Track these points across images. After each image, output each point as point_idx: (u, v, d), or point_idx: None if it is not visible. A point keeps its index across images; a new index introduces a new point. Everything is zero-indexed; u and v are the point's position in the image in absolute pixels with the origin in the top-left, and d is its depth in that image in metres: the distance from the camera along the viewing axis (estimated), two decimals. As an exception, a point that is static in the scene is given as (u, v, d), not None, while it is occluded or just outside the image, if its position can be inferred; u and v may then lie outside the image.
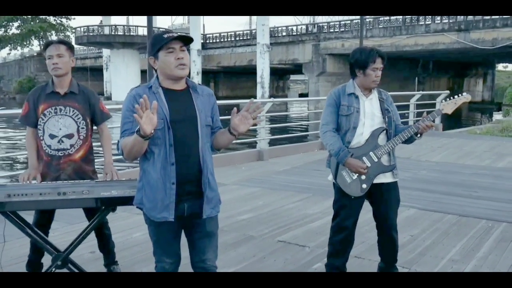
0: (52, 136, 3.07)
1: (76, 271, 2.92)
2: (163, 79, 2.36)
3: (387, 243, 3.30)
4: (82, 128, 3.12)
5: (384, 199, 3.21)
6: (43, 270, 3.18)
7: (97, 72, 55.73)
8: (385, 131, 3.13)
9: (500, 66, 59.49)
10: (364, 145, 3.11)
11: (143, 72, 46.38)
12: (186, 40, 2.32)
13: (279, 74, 56.64)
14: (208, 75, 51.57)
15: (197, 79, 42.28)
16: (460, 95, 3.17)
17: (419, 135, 3.11)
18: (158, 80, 2.36)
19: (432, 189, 6.27)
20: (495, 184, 6.63)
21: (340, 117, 3.13)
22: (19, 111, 3.42)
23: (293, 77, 71.38)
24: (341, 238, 3.25)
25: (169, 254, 2.41)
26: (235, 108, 2.28)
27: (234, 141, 2.46)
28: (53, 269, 2.84)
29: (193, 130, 2.32)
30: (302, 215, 5.11)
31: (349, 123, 3.11)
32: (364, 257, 3.85)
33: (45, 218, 3.20)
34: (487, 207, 5.38)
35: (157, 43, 2.30)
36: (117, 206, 2.78)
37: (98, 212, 3.04)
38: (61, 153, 3.08)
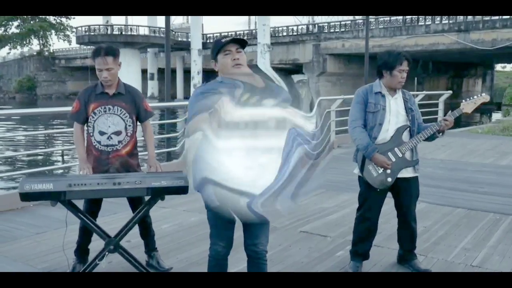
0: (101, 133, 3.34)
1: (126, 255, 3.19)
2: None
3: (407, 231, 3.58)
4: (129, 125, 3.39)
5: (405, 192, 3.46)
6: (91, 255, 3.45)
7: (97, 72, 55.77)
8: (408, 129, 3.38)
9: (498, 67, 59.87)
10: (389, 141, 3.35)
11: (143, 71, 46.59)
12: (241, 42, 2.59)
13: (279, 74, 56.79)
14: (209, 75, 51.63)
15: (197, 78, 42.42)
16: (479, 95, 3.46)
17: (441, 133, 3.37)
18: None
19: (440, 185, 6.53)
20: (499, 181, 6.92)
21: (367, 114, 3.37)
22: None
23: (292, 77, 71.57)
24: (365, 227, 3.53)
25: (223, 237, 2.67)
26: None
27: None
28: (106, 253, 3.11)
29: None
30: (319, 209, 5.38)
31: (375, 119, 3.35)
32: (383, 245, 4.12)
33: (94, 207, 3.47)
34: (493, 202, 5.65)
35: (216, 47, 2.59)
36: (165, 195, 3.04)
37: (142, 202, 3.32)
38: (110, 149, 3.36)
